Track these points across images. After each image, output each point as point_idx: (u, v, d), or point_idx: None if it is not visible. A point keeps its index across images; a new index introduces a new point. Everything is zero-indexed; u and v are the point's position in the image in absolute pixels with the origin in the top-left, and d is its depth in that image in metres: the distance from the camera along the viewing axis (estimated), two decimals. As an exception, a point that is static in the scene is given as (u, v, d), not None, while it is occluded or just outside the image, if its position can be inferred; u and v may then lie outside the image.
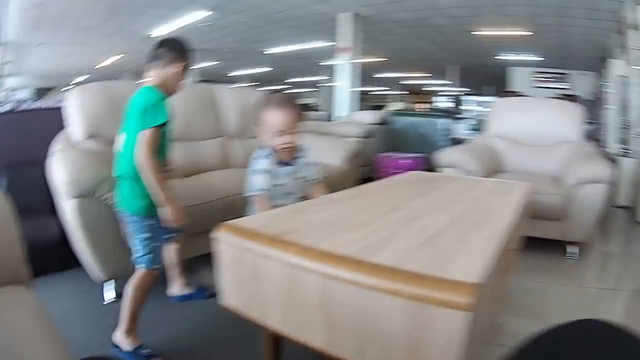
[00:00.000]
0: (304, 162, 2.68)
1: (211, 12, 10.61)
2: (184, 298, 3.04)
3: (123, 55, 15.11)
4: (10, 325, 1.31)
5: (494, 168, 4.82)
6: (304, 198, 2.60)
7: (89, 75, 17.93)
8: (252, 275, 1.53)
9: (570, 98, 14.69)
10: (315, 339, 1.40)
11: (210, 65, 17.52)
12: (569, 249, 4.22)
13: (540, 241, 4.17)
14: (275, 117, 2.48)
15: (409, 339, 1.19)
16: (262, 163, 2.51)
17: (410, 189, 2.58)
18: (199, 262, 3.29)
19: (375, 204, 2.10)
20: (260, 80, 22.63)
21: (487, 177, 4.04)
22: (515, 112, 5.53)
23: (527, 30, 11.41)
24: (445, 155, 4.55)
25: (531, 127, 5.27)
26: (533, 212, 3.67)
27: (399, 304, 1.19)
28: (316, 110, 18.78)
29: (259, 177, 2.48)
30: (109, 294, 2.99)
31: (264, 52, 15.71)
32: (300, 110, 2.60)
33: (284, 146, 2.51)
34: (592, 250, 4.42)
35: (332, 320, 1.34)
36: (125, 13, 10.45)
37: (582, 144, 5.01)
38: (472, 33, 11.96)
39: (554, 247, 4.25)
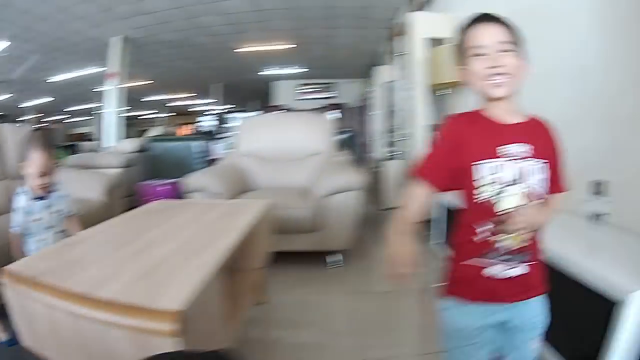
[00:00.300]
0: (58, 195, 2.78)
1: (9, 42, 10.00)
2: (11, 343, 2.95)
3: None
4: None
5: (242, 188, 4.82)
6: (63, 232, 2.72)
7: None
8: (29, 316, 1.60)
9: (337, 106, 15.47)
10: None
11: (5, 98, 16.37)
12: (330, 258, 4.34)
13: (305, 254, 4.28)
14: (32, 159, 2.59)
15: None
16: (19, 200, 2.60)
17: (150, 219, 2.67)
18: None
19: (116, 238, 2.22)
20: (44, 111, 21.40)
21: (233, 198, 4.15)
22: (263, 129, 5.61)
23: (291, 44, 11.83)
24: (192, 180, 4.44)
25: (280, 143, 5.37)
26: (284, 227, 3.83)
27: (125, 335, 1.32)
28: (90, 139, 18.05)
29: (15, 214, 2.58)
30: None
31: (47, 81, 14.87)
32: (56, 148, 2.69)
33: (40, 185, 2.63)
34: (361, 257, 4.55)
35: (88, 355, 1.44)
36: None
37: (332, 154, 5.22)
38: (235, 50, 12.20)
39: (319, 258, 4.35)
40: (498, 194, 1.45)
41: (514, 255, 1.48)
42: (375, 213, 6.36)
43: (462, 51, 1.54)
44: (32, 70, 12.98)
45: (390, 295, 3.52)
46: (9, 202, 4.02)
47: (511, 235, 1.46)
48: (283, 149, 5.32)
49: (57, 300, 1.46)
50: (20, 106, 19.08)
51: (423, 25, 5.83)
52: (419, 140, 5.66)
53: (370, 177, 7.70)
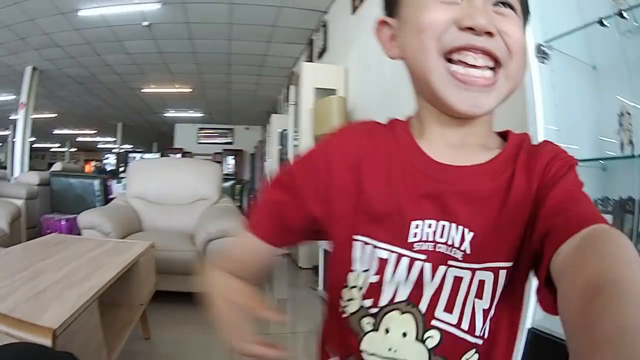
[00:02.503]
0: None
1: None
2: None
3: None
4: None
5: (131, 228, 4.87)
6: None
7: None
8: None
9: (235, 152, 15.71)
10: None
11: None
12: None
13: (189, 295, 4.10)
14: None
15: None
16: None
17: (44, 251, 2.87)
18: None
19: (12, 264, 2.47)
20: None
21: (122, 238, 4.28)
22: (153, 172, 5.69)
23: (189, 88, 12.19)
24: (84, 217, 4.53)
25: (168, 187, 5.47)
26: (169, 268, 4.05)
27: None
28: (5, 167, 17.36)
29: None
30: None
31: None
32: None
33: None
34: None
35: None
36: None
37: (219, 200, 5.47)
38: (142, 90, 12.40)
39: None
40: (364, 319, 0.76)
41: None
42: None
43: None
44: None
45: (270, 337, 3.73)
46: None
47: None
48: (171, 193, 5.46)
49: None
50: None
51: (312, 75, 5.98)
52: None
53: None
